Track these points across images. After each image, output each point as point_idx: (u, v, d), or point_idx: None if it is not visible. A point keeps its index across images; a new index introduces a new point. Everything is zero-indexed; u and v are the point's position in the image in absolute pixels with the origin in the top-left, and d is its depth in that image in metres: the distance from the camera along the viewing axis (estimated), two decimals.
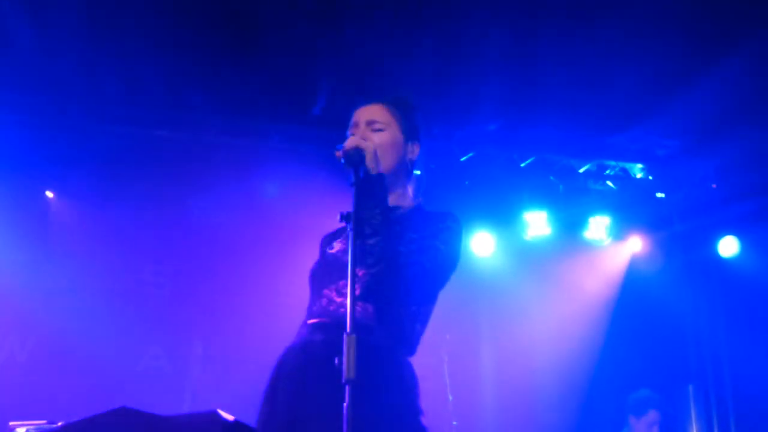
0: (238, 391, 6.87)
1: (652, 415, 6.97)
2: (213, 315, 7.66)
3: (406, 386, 3.08)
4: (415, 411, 3.05)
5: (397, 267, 3.03)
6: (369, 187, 3.00)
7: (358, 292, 2.72)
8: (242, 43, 6.17)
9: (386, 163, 3.23)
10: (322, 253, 3.38)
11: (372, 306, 3.09)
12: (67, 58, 6.33)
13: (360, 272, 2.97)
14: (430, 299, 3.28)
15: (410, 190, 3.36)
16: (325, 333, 3.07)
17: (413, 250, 3.09)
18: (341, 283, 3.10)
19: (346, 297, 2.82)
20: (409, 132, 3.38)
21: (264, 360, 7.44)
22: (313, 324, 3.14)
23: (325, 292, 3.17)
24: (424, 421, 3.03)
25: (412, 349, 3.19)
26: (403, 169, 3.34)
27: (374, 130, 3.29)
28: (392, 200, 3.23)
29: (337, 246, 3.31)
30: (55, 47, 6.19)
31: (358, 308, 2.92)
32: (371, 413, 2.77)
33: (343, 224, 3.11)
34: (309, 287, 3.32)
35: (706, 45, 6.07)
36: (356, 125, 3.32)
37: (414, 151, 3.38)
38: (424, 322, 3.27)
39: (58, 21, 5.90)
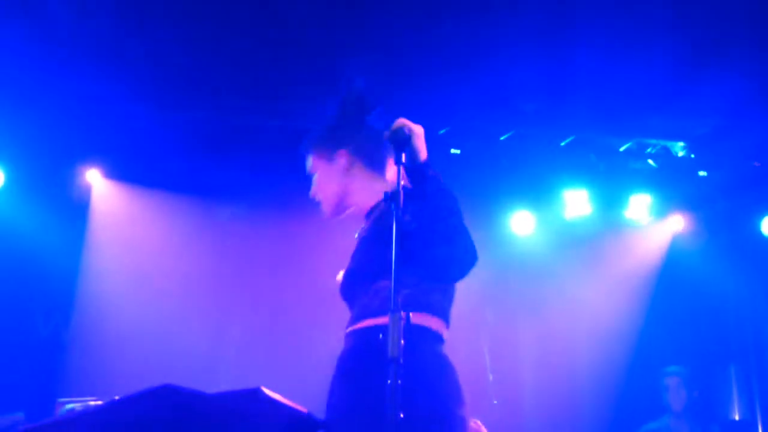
0: (274, 372, 6.93)
1: (668, 381, 7.12)
2: (250, 295, 7.71)
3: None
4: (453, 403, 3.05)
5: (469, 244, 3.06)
6: (420, 173, 3.01)
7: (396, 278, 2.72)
8: (271, 26, 6.18)
9: (331, 193, 3.45)
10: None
11: (428, 286, 3.10)
12: (104, 41, 6.37)
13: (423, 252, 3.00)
14: None
15: (376, 181, 3.42)
16: (349, 342, 3.14)
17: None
18: (372, 287, 3.11)
19: (375, 301, 3.01)
20: (327, 153, 3.49)
21: (301, 342, 7.49)
22: (346, 334, 3.19)
23: (357, 301, 3.20)
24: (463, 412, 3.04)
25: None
26: (353, 178, 3.45)
27: (315, 179, 3.52)
28: (372, 198, 3.36)
29: (351, 257, 3.35)
30: (93, 31, 6.23)
31: (408, 290, 2.96)
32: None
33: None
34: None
35: (750, 17, 5.98)
36: None
37: (341, 158, 3.46)
38: None
39: (95, 3, 5.96)
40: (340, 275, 3.35)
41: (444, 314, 3.16)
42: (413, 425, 2.77)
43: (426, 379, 2.93)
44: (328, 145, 3.50)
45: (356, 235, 3.41)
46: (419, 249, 2.96)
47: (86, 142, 7.26)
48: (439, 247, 2.99)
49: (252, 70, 6.79)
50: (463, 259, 3.05)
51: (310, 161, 3.55)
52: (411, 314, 2.92)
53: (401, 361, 2.49)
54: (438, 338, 3.10)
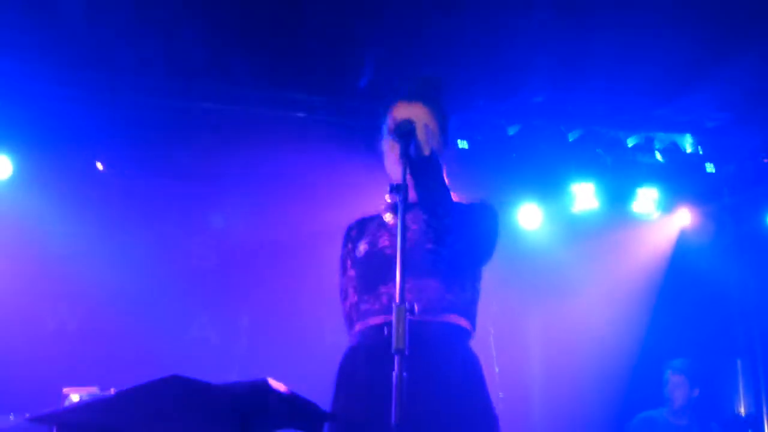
0: (284, 362, 6.93)
1: (670, 376, 7.14)
2: (260, 286, 7.71)
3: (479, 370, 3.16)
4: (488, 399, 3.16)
5: (474, 244, 3.09)
6: (425, 165, 2.99)
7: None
8: (287, 15, 6.17)
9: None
10: (370, 248, 3.30)
11: (444, 285, 3.11)
12: (114, 31, 6.36)
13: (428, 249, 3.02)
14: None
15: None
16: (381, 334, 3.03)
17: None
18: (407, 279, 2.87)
19: (412, 293, 2.93)
20: (442, 126, 3.41)
21: (310, 331, 7.47)
22: (380, 325, 3.09)
23: (384, 289, 3.14)
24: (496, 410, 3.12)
25: (474, 328, 3.27)
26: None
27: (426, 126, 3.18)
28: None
29: (384, 241, 3.27)
30: (102, 20, 6.23)
31: (432, 286, 2.97)
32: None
33: (374, 212, 3.24)
34: (357, 284, 3.29)
35: (761, 11, 5.96)
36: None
37: (444, 145, 3.39)
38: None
39: None
40: (362, 246, 3.31)
41: (473, 318, 3.22)
42: (471, 417, 3.01)
43: (473, 373, 3.17)
44: (445, 122, 3.46)
45: (387, 215, 3.33)
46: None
47: (93, 132, 7.25)
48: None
49: (262, 60, 6.79)
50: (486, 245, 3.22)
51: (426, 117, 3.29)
52: (450, 315, 3.09)
53: (406, 353, 2.49)
54: (469, 334, 3.25)
